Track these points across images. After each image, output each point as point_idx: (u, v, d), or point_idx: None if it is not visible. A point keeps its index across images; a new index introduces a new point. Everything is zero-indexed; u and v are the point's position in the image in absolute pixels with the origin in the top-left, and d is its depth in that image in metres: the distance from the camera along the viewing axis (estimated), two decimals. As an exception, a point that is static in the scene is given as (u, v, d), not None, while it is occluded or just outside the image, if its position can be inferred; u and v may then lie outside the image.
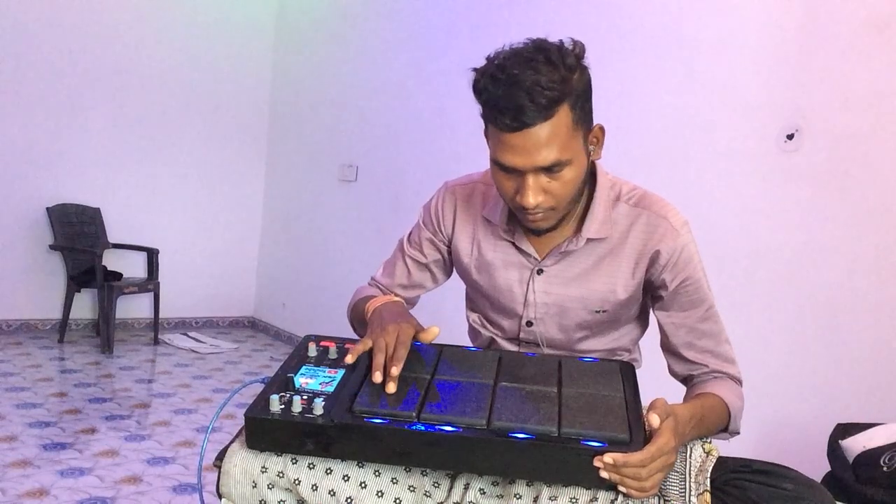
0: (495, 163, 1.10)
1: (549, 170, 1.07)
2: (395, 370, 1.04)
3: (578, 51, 1.08)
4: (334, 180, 4.72)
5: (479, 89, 1.06)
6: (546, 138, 1.04)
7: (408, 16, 4.21)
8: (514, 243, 1.26)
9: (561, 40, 1.08)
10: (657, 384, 1.22)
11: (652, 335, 1.32)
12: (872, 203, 2.20)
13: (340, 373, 1.10)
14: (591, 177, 1.23)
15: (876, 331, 2.18)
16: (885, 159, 2.17)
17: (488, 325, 1.36)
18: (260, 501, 1.03)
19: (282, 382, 1.07)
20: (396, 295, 1.38)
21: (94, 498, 2.33)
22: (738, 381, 1.25)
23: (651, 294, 1.25)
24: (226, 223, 5.33)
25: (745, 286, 2.48)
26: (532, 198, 1.08)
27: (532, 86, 1.00)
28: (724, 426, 1.18)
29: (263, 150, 5.46)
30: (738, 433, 1.22)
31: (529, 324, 1.27)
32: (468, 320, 1.41)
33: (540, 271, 1.24)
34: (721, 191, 2.58)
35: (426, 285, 1.43)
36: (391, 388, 1.03)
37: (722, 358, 1.24)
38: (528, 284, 1.25)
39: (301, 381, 1.07)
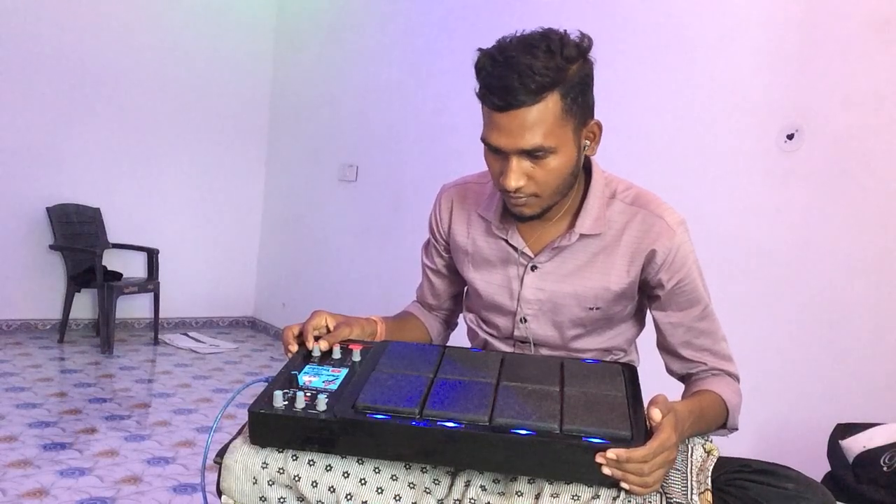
0: (483, 142, 1.12)
1: (533, 154, 1.08)
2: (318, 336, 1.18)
3: (584, 44, 1.09)
4: (334, 180, 4.72)
5: (478, 68, 1.08)
6: (531, 122, 1.05)
7: (408, 15, 4.21)
8: (507, 240, 1.26)
9: (568, 31, 1.09)
10: (656, 383, 1.22)
11: (648, 334, 1.33)
12: (872, 203, 2.20)
13: (344, 371, 1.11)
14: (586, 173, 1.23)
15: (876, 331, 2.18)
16: (885, 159, 2.18)
17: (483, 325, 1.36)
18: (260, 498, 1.04)
19: (286, 380, 1.07)
20: (431, 305, 1.48)
21: (94, 498, 2.33)
22: (736, 378, 1.25)
23: (647, 294, 1.26)
24: (226, 223, 5.33)
25: (745, 286, 2.48)
26: (514, 180, 1.10)
27: (525, 69, 1.02)
28: (723, 423, 1.18)
29: (263, 150, 5.46)
30: (737, 429, 1.22)
31: (523, 320, 1.27)
32: (465, 320, 1.42)
33: (534, 268, 1.25)
34: (721, 191, 2.59)
35: (450, 291, 1.46)
36: (323, 345, 1.15)
37: (719, 356, 1.25)
38: (521, 281, 1.25)
39: (305, 378, 1.08)
